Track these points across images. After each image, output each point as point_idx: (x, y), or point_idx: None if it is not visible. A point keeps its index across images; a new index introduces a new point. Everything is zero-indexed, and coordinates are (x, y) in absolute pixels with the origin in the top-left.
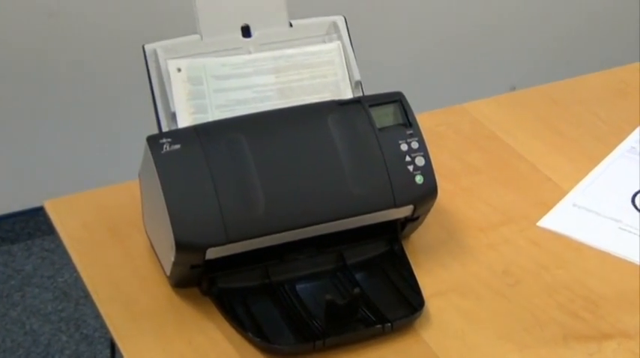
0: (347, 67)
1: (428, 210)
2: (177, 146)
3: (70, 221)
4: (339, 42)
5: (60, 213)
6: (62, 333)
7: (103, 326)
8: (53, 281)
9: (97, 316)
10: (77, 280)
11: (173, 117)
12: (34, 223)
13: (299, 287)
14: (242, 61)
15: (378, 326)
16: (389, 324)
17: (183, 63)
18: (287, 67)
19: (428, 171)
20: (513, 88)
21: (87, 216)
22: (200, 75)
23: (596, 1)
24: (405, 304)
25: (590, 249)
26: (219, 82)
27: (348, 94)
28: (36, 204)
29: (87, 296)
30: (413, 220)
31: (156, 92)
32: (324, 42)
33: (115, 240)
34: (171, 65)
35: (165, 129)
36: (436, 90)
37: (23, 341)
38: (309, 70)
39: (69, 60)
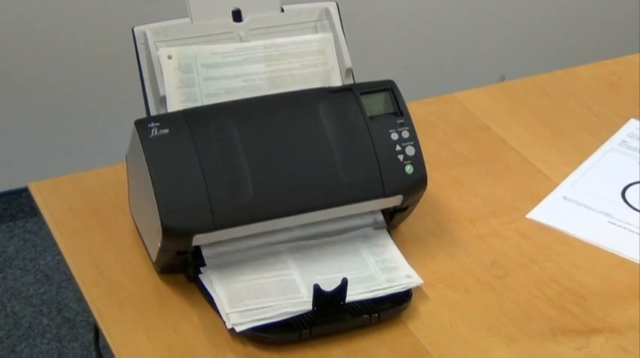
0: (338, 54)
1: (417, 201)
2: (166, 130)
3: (55, 204)
4: (330, 33)
5: (45, 195)
6: (44, 316)
7: (85, 309)
8: (35, 264)
9: (79, 299)
10: (59, 263)
11: (162, 100)
12: (16, 205)
13: None
14: (232, 49)
15: (365, 316)
16: (376, 315)
17: (174, 50)
18: (278, 55)
19: (418, 161)
20: (503, 78)
21: (72, 199)
22: (190, 62)
23: None
24: (393, 295)
25: (579, 242)
26: (209, 71)
27: (338, 84)
28: (19, 186)
29: (69, 279)
30: (402, 210)
31: (145, 75)
32: (315, 28)
33: (100, 224)
34: (162, 52)
35: (153, 113)
36: (424, 79)
37: (4, 324)
38: (300, 59)
39: (53, 40)
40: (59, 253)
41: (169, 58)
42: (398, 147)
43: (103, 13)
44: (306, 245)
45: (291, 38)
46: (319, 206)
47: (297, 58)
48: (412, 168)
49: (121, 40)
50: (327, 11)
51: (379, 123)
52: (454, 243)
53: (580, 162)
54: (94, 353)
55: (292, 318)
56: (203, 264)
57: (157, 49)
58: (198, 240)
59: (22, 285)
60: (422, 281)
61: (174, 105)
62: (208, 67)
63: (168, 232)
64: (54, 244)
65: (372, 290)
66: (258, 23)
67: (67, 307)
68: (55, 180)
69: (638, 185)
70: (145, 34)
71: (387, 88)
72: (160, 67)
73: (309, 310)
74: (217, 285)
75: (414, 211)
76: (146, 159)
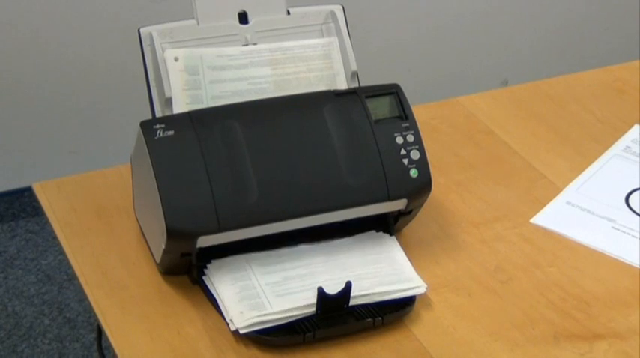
0: (343, 57)
1: (421, 205)
2: (171, 132)
3: (59, 204)
4: (335, 36)
5: (49, 195)
6: (45, 316)
7: (86, 310)
8: (37, 264)
9: (81, 300)
10: (61, 263)
11: (167, 102)
12: (18, 204)
13: None
14: (239, 52)
15: (369, 319)
16: (380, 318)
17: (180, 52)
18: (283, 59)
19: (423, 164)
20: (505, 82)
21: (76, 199)
22: (197, 65)
23: None
24: (397, 299)
25: (582, 247)
26: (215, 73)
27: (344, 88)
28: (21, 185)
29: (71, 279)
30: (406, 214)
31: (150, 77)
32: (321, 31)
33: (104, 225)
34: (169, 54)
35: (159, 114)
36: (428, 83)
37: (5, 324)
38: (306, 63)
39: (58, 40)
40: (61, 253)
41: (176, 60)
42: (403, 151)
43: (108, 13)
44: (310, 248)
45: (297, 42)
46: (323, 209)
47: (302, 62)
48: (417, 172)
49: (127, 41)
50: (333, 14)
51: (384, 126)
52: (458, 248)
53: (584, 168)
54: (94, 354)
55: (296, 321)
56: (207, 266)
57: (163, 51)
58: (203, 241)
59: (24, 285)
60: (426, 286)
61: (180, 107)
62: (214, 70)
63: (172, 234)
64: (56, 244)
65: (377, 292)
66: (264, 26)
67: (68, 307)
68: (59, 180)
69: None
70: (151, 36)
71: (393, 91)
72: (166, 69)
73: (313, 313)
74: (221, 287)
75: (418, 215)
76: (151, 161)
